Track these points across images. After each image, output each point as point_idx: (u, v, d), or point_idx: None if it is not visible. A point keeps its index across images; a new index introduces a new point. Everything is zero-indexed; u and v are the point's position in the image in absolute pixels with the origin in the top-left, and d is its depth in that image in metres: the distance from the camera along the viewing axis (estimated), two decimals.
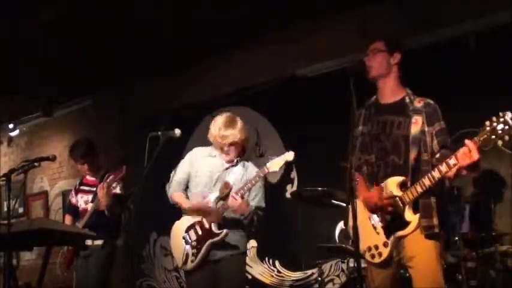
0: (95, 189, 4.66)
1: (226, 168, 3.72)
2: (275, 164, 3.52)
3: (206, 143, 3.88)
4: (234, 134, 3.62)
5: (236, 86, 6.19)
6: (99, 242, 4.52)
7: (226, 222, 3.61)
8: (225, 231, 3.56)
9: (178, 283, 6.57)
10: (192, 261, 3.60)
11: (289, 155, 3.52)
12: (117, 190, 4.53)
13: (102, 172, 4.74)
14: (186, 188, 3.83)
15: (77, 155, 4.77)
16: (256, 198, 3.70)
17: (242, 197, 3.51)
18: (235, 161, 3.73)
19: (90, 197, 4.69)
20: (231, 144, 3.64)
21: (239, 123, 3.68)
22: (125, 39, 5.84)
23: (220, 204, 3.59)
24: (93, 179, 4.81)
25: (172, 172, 3.84)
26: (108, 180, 4.34)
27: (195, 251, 3.60)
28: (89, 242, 4.51)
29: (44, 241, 4.28)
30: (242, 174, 3.69)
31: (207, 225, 3.59)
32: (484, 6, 4.55)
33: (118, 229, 4.76)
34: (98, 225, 4.40)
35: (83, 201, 4.76)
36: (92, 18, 5.46)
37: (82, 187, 4.86)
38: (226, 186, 3.60)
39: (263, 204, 3.74)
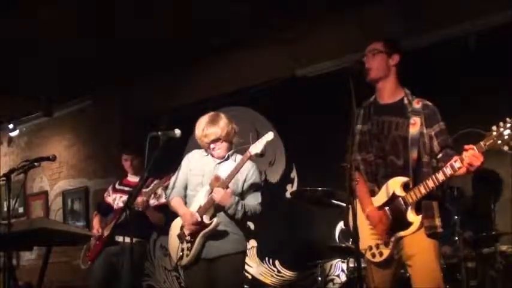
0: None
1: (218, 164, 3.73)
2: (256, 147, 3.54)
3: None
4: (215, 131, 3.64)
5: (236, 86, 6.19)
6: (129, 240, 4.47)
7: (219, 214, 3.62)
8: (215, 220, 3.54)
9: (178, 283, 6.57)
10: (187, 256, 3.60)
11: (269, 135, 3.54)
12: (163, 199, 4.45)
13: (145, 175, 4.71)
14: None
15: (133, 149, 4.82)
16: (251, 177, 3.69)
17: (227, 187, 3.52)
18: (226, 156, 3.74)
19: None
20: (214, 141, 3.66)
21: (222, 119, 3.69)
22: (124, 39, 5.84)
23: (208, 198, 3.59)
24: (134, 180, 4.81)
25: (173, 178, 3.85)
26: (152, 187, 4.35)
27: (189, 245, 3.60)
28: (120, 239, 4.49)
29: (44, 241, 4.28)
30: (233, 167, 3.70)
31: (198, 218, 3.59)
32: (484, 6, 4.55)
33: (150, 229, 4.78)
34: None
35: (121, 200, 4.72)
36: (91, 18, 5.46)
37: (121, 187, 4.86)
38: (216, 180, 3.60)
39: (258, 181, 3.74)
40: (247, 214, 3.63)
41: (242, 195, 3.67)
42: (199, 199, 3.65)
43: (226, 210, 3.59)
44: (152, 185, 4.40)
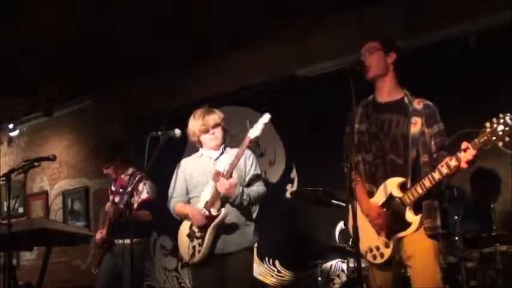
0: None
1: (216, 159, 3.75)
2: (255, 130, 3.57)
3: None
4: (214, 117, 3.72)
5: (236, 86, 6.19)
6: (128, 241, 4.44)
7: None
8: (223, 210, 3.54)
9: (178, 283, 6.57)
10: (199, 251, 3.58)
11: (265, 117, 3.57)
12: (144, 194, 4.38)
13: (131, 171, 4.63)
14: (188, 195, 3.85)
15: (104, 158, 4.70)
16: (252, 167, 3.73)
17: (230, 176, 3.52)
18: (220, 149, 3.76)
19: (124, 197, 4.51)
20: (214, 126, 3.70)
21: (215, 110, 3.80)
22: (124, 39, 5.84)
23: (213, 191, 3.59)
24: (126, 179, 4.71)
25: (170, 189, 3.84)
26: (131, 186, 4.25)
27: (200, 241, 3.59)
28: (120, 241, 4.49)
29: (44, 241, 4.30)
30: (231, 160, 3.70)
31: (206, 212, 3.59)
32: (484, 6, 4.55)
33: (149, 228, 4.74)
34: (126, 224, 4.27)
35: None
36: (92, 18, 5.46)
37: (115, 188, 4.78)
38: (218, 174, 3.61)
39: (259, 172, 3.78)
40: (252, 201, 3.65)
41: (247, 186, 3.69)
42: (205, 196, 3.65)
43: (232, 202, 3.59)
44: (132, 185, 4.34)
